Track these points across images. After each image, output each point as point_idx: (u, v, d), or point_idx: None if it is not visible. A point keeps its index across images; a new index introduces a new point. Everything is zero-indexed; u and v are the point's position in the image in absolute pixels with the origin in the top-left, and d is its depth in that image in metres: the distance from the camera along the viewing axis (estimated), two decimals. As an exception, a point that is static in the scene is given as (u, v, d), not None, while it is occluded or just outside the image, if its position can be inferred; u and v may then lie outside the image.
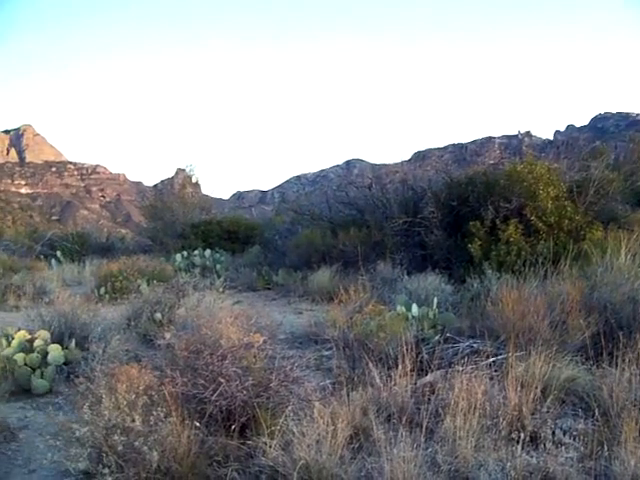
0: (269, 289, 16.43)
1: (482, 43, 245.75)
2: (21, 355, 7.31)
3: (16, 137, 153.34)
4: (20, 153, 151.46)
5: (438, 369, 6.40)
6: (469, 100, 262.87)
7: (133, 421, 4.56)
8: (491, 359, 6.39)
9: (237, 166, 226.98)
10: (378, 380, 5.97)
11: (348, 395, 5.44)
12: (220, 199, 68.34)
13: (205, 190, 34.12)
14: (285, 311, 12.52)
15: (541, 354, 5.88)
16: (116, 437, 4.44)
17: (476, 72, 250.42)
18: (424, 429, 4.74)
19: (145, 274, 14.67)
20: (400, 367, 5.94)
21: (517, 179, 12.79)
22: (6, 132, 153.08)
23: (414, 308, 8.40)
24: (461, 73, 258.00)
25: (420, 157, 24.70)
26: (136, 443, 4.42)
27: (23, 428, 6.11)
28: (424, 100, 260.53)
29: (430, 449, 4.78)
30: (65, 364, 7.58)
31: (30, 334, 7.73)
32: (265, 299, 14.82)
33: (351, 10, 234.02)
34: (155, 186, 44.56)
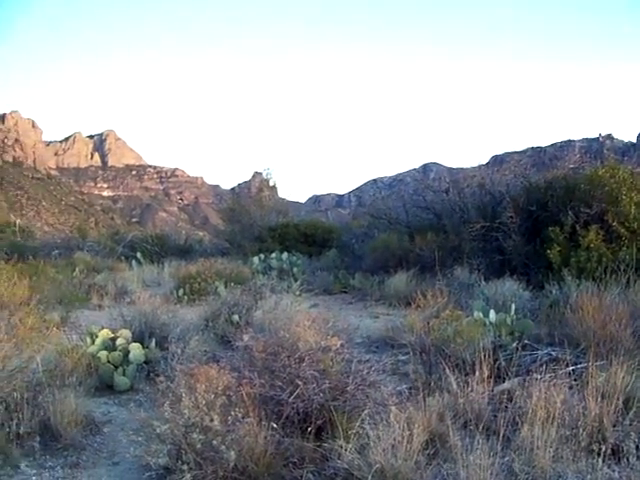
0: (345, 293, 16.45)
1: (561, 44, 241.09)
2: (104, 353, 7.52)
3: (99, 141, 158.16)
4: (103, 157, 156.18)
5: (516, 376, 6.35)
6: (548, 102, 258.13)
7: (212, 420, 4.64)
8: (570, 368, 6.28)
9: (314, 170, 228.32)
10: (455, 386, 5.94)
11: (424, 400, 5.42)
12: (297, 202, 68.64)
13: (282, 193, 34.41)
14: (361, 315, 12.53)
15: (623, 364, 5.73)
16: (195, 435, 4.54)
17: (556, 73, 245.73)
18: (501, 437, 4.68)
19: (223, 276, 14.85)
20: (477, 373, 5.90)
21: (598, 184, 12.51)
22: (90, 137, 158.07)
23: (491, 314, 8.30)
24: (541, 75, 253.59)
25: (498, 161, 24.30)
26: (214, 442, 4.50)
27: (107, 423, 6.31)
28: (502, 103, 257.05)
29: (507, 458, 4.72)
30: (145, 363, 7.77)
31: (113, 333, 7.94)
32: (341, 303, 14.87)
33: (427, 12, 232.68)
34: (232, 189, 45.20)
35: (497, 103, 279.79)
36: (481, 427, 5.07)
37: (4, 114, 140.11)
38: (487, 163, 22.09)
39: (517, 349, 7.06)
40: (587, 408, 5.23)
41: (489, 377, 5.95)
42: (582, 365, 6.43)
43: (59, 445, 5.49)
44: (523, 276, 11.92)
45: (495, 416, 5.50)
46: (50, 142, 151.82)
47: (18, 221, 37.16)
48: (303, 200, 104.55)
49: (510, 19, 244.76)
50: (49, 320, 8.71)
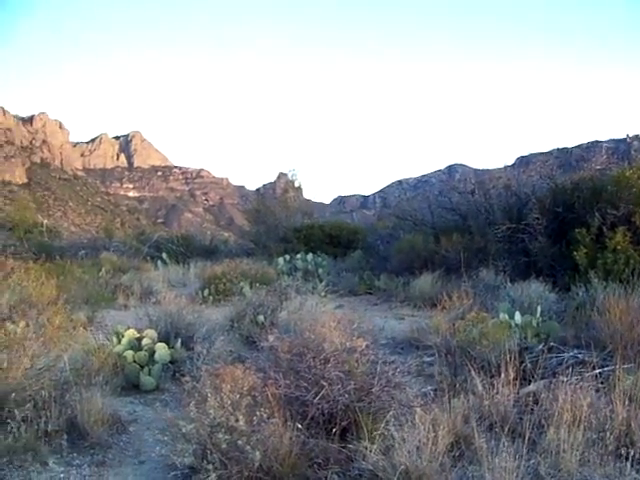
0: (370, 294, 16.45)
1: (588, 43, 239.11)
2: (130, 352, 7.57)
3: (125, 143, 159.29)
4: (129, 158, 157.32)
5: (541, 379, 6.30)
6: (575, 102, 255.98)
7: (237, 421, 4.65)
8: (597, 370, 6.22)
9: (339, 171, 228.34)
10: (480, 388, 5.92)
11: (449, 402, 5.41)
12: (321, 203, 68.76)
13: (307, 194, 34.49)
14: (386, 316, 12.51)
15: (651, 367, 5.69)
16: (220, 435, 4.56)
17: (583, 73, 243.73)
18: (527, 440, 4.66)
19: (248, 277, 14.91)
20: (503, 376, 5.87)
21: (626, 185, 12.38)
22: (116, 138, 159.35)
23: (517, 316, 8.25)
24: (568, 74, 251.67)
25: (524, 162, 24.09)
26: (239, 442, 4.52)
27: (133, 422, 6.35)
28: (528, 103, 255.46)
29: (533, 460, 4.70)
30: (171, 363, 7.82)
31: (139, 332, 7.99)
32: (367, 304, 14.85)
33: (454, 15, 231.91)
34: (257, 190, 45.37)
35: (523, 103, 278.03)
36: (506, 429, 5.05)
37: (32, 115, 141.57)
38: (513, 164, 21.88)
39: (543, 351, 7.02)
40: (614, 411, 5.19)
41: (515, 379, 5.92)
42: (609, 368, 6.37)
43: (86, 443, 5.54)
44: (549, 278, 11.82)
45: (521, 419, 5.48)
46: (77, 143, 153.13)
47: (45, 221, 37.51)
48: (328, 201, 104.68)
49: (540, 18, 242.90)
50: (76, 320, 8.79)
